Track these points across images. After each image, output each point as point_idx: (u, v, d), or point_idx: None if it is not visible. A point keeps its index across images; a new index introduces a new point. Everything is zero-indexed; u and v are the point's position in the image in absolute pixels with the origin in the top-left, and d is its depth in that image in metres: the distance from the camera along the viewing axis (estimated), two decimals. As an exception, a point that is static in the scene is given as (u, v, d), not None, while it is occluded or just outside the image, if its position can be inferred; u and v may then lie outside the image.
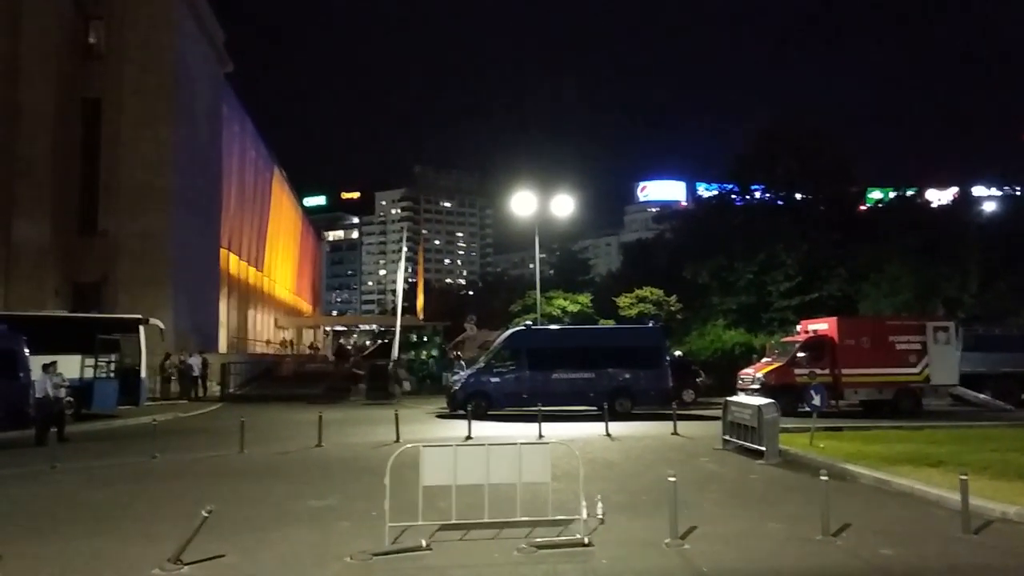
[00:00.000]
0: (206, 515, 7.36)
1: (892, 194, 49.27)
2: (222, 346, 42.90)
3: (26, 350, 18.32)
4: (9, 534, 8.31)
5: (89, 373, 21.71)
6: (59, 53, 32.87)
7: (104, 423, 21.16)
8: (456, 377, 25.88)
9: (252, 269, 55.57)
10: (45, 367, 17.00)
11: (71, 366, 20.06)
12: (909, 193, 50.51)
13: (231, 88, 48.10)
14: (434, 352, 38.63)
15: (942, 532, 9.01)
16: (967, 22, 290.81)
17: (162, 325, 25.95)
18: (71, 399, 19.58)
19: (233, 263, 49.06)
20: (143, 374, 24.07)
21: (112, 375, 22.32)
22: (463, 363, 26.67)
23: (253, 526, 9.19)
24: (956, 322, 26.79)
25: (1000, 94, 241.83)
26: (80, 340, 21.79)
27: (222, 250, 44.84)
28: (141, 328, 24.08)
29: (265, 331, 61.51)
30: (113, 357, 22.48)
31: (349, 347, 63.99)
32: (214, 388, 31.16)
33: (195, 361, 29.54)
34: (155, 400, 26.70)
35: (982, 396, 26.14)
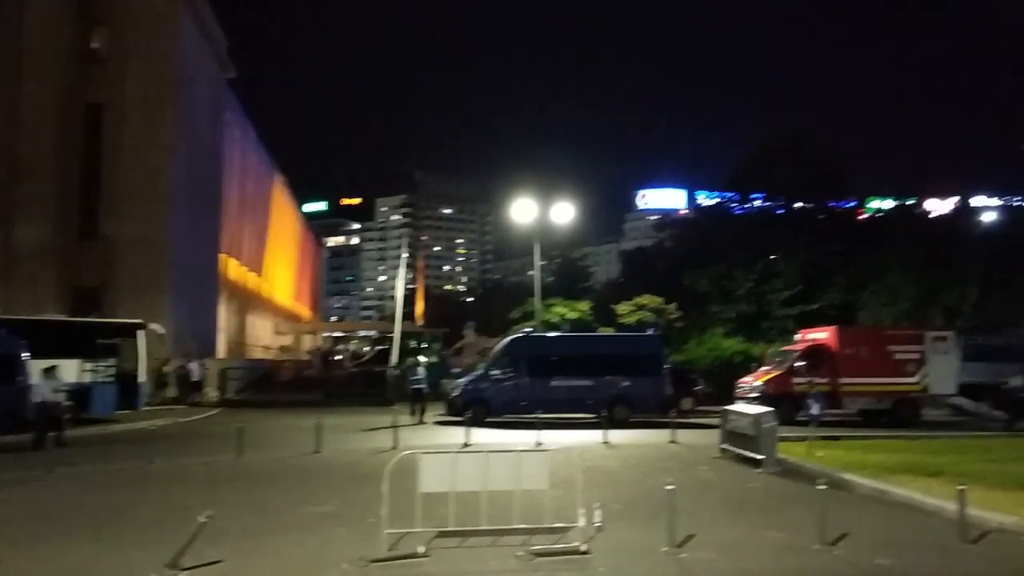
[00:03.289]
0: (204, 521, 7.37)
1: (892, 203, 49.46)
2: (221, 351, 42.88)
3: (25, 354, 18.33)
4: (7, 539, 8.30)
5: (88, 377, 21.71)
6: (62, 57, 33.00)
7: (102, 427, 21.15)
8: (416, 378, 25.18)
9: (252, 274, 55.56)
10: (45, 371, 17.01)
11: (70, 370, 20.03)
12: (909, 203, 50.69)
13: (233, 94, 48.24)
14: (433, 358, 38.59)
15: (939, 542, 9.02)
16: (966, 32, 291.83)
17: (161, 330, 25.96)
18: (70, 403, 19.59)
19: (233, 268, 49.07)
20: (142, 379, 24.08)
21: (111, 379, 22.32)
22: (420, 369, 26.01)
23: (251, 532, 9.19)
24: (955, 332, 26.79)
25: (999, 104, 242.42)
26: (79, 344, 21.79)
27: (222, 255, 44.86)
28: (140, 333, 24.08)
29: (264, 336, 61.48)
30: (112, 361, 22.50)
31: (348, 352, 63.59)
32: (212, 393, 31.16)
33: (194, 366, 29.52)
34: (152, 405, 26.70)
35: (981, 406, 26.11)
